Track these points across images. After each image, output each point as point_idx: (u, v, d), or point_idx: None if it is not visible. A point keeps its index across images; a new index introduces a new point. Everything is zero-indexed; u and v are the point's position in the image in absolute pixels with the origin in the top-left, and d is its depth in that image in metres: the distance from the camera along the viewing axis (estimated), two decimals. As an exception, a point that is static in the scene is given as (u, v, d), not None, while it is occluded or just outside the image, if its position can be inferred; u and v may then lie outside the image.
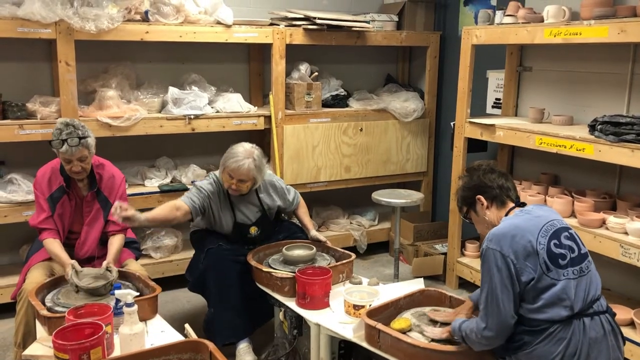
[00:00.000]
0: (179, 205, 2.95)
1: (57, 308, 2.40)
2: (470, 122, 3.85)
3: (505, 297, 2.00)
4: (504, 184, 2.24)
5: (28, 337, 2.67)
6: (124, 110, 3.66)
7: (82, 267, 2.80)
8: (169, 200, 3.83)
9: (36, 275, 2.72)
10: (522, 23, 3.50)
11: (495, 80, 4.31)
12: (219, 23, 3.86)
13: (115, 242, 2.89)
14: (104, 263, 2.68)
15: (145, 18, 3.67)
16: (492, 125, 3.66)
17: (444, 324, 2.31)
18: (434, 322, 2.34)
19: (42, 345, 2.20)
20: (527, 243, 2.02)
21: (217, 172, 3.14)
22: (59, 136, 2.71)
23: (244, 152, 2.97)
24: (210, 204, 3.05)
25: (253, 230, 3.13)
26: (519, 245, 2.02)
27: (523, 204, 2.25)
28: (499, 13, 3.72)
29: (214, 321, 2.96)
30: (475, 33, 3.76)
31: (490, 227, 2.20)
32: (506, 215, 2.20)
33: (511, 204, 2.23)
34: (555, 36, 3.22)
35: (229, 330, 2.95)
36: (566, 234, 2.11)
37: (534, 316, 2.02)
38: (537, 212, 2.15)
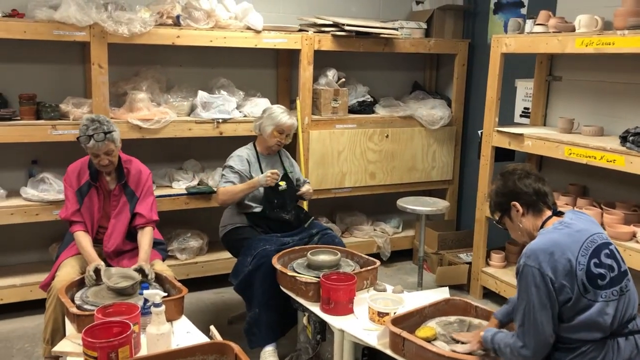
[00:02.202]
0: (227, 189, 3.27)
1: (85, 306, 2.43)
2: (498, 131, 3.82)
3: (544, 316, 1.93)
4: (540, 188, 2.13)
5: (56, 333, 2.72)
6: (154, 112, 3.71)
7: (110, 261, 2.89)
8: (195, 203, 3.91)
9: (66, 273, 2.76)
10: (553, 32, 3.47)
11: (524, 89, 4.28)
12: (248, 28, 3.90)
13: (146, 238, 2.92)
14: (134, 267, 2.72)
15: (176, 22, 3.72)
16: (521, 135, 3.63)
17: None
18: (456, 341, 2.28)
19: (71, 342, 2.24)
20: (566, 262, 1.94)
21: (245, 147, 3.46)
22: (85, 132, 2.79)
23: (287, 110, 3.41)
24: (243, 172, 3.33)
25: (282, 183, 3.36)
26: (558, 263, 1.93)
27: (561, 213, 2.15)
28: (529, 22, 3.69)
29: (259, 322, 3.01)
30: (505, 42, 3.74)
31: (525, 235, 2.15)
32: (543, 224, 2.11)
33: (548, 212, 2.13)
34: (587, 46, 3.18)
35: (272, 331, 3.02)
36: (606, 251, 2.01)
37: (567, 335, 1.96)
38: (577, 224, 2.04)
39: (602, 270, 1.97)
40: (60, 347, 2.25)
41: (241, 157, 3.37)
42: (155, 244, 3.07)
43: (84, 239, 2.86)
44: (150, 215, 2.99)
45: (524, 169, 2.19)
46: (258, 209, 3.32)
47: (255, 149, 3.45)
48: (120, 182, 2.95)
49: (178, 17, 3.71)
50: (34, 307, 3.51)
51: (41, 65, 3.79)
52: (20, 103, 3.49)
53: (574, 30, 3.37)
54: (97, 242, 2.94)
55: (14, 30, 3.28)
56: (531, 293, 1.94)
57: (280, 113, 3.34)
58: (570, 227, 2.03)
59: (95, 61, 3.49)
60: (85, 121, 2.83)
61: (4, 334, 3.41)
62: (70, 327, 2.37)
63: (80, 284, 2.65)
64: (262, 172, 3.35)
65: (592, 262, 1.96)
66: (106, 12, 3.52)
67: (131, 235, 2.98)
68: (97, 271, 2.64)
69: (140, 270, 2.70)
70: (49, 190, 3.56)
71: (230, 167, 3.34)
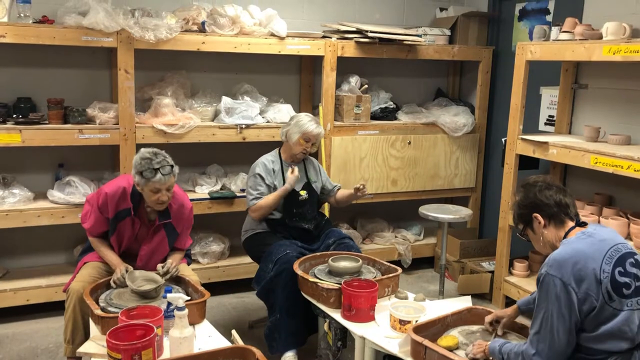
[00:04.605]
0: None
1: (110, 308, 2.46)
2: (523, 139, 3.78)
3: (560, 326, 1.92)
4: (561, 200, 2.13)
5: (77, 333, 2.74)
6: (178, 118, 3.75)
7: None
8: (218, 207, 3.94)
9: (85, 275, 2.79)
10: (580, 40, 3.43)
11: (549, 97, 4.23)
12: (272, 35, 3.93)
13: (177, 255, 2.96)
14: (159, 266, 2.75)
15: (202, 29, 3.76)
16: (546, 143, 3.59)
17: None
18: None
19: (96, 343, 2.27)
20: (590, 271, 1.93)
21: (270, 153, 3.45)
22: (149, 165, 2.64)
23: (314, 119, 3.40)
24: (270, 184, 3.33)
25: (303, 192, 3.36)
26: (581, 272, 1.93)
27: (584, 224, 2.14)
28: (554, 29, 3.66)
29: (280, 328, 3.01)
30: (530, 49, 3.71)
31: (548, 246, 2.14)
32: (566, 235, 2.11)
33: (571, 223, 2.13)
34: (614, 54, 3.14)
35: (294, 336, 3.02)
36: (631, 260, 2.00)
37: (592, 345, 1.95)
38: (600, 234, 2.04)
39: (627, 279, 1.96)
40: (85, 348, 2.28)
41: (266, 165, 3.36)
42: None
43: (102, 244, 2.87)
44: (185, 246, 3.01)
45: (545, 181, 2.20)
46: (278, 216, 3.33)
47: (280, 157, 3.44)
48: (165, 219, 2.82)
49: (203, 23, 3.75)
50: (59, 308, 3.52)
51: (69, 70, 3.86)
52: (48, 107, 3.55)
53: (601, 37, 3.33)
54: (125, 258, 2.92)
55: (44, 36, 3.35)
56: (551, 302, 1.94)
57: (307, 121, 3.33)
58: (593, 237, 2.03)
59: (121, 66, 3.55)
60: (146, 154, 2.67)
61: (29, 334, 3.46)
62: (94, 329, 2.40)
63: (105, 286, 2.69)
64: (284, 182, 3.34)
65: (617, 270, 1.96)
66: (133, 18, 3.58)
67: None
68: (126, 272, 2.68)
69: (163, 266, 2.73)
70: (74, 193, 3.62)
71: (259, 176, 3.31)
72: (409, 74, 4.91)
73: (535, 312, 2.02)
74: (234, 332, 2.32)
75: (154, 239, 2.86)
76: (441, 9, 4.86)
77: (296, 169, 3.29)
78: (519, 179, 3.78)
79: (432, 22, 4.88)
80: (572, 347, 1.96)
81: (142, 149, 2.75)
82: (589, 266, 1.94)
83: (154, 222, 2.84)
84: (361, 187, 3.33)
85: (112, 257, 2.83)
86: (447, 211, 3.85)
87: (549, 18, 4.25)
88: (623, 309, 1.93)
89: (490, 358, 2.15)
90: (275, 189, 3.33)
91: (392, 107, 4.58)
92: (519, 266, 4.03)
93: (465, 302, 2.70)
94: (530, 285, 3.85)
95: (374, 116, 4.48)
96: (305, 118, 3.37)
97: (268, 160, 3.39)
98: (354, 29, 4.13)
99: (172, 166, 2.70)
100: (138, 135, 3.64)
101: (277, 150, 3.48)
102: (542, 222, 2.15)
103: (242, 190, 4.03)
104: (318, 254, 3.16)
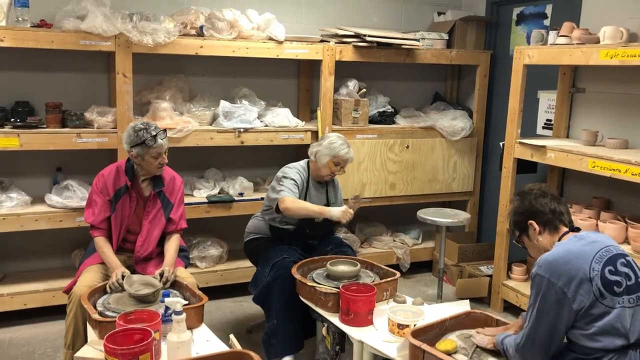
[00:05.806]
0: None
1: (107, 313, 2.46)
2: (521, 143, 3.79)
3: (544, 323, 2.01)
4: (556, 208, 2.20)
5: (77, 339, 2.73)
6: (176, 122, 3.75)
7: (137, 266, 2.93)
8: (216, 211, 3.94)
9: (87, 279, 2.79)
10: (577, 44, 3.44)
11: (547, 100, 4.24)
12: (271, 39, 3.93)
13: (173, 244, 2.98)
14: (158, 271, 2.75)
15: (200, 33, 3.77)
16: (543, 147, 3.60)
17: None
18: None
19: (93, 348, 2.26)
20: (579, 270, 1.98)
21: (300, 164, 3.35)
22: (146, 134, 2.81)
23: (346, 142, 3.26)
24: (299, 190, 3.24)
25: None
26: (571, 272, 1.98)
27: (577, 229, 2.20)
28: (552, 33, 3.67)
29: (277, 333, 3.00)
30: (527, 53, 3.72)
31: (543, 252, 2.17)
32: (559, 239, 2.17)
33: (564, 229, 2.19)
34: (611, 58, 3.15)
35: (291, 341, 3.01)
36: (623, 260, 2.05)
37: (587, 344, 1.98)
38: (591, 237, 2.11)
39: (618, 278, 2.00)
40: (82, 353, 2.27)
41: (300, 176, 3.26)
42: (179, 251, 3.10)
43: (105, 245, 2.90)
44: (180, 224, 3.05)
45: (540, 189, 2.28)
46: (290, 228, 3.28)
47: (308, 172, 3.34)
48: (159, 188, 2.97)
49: (201, 27, 3.76)
50: (57, 312, 3.55)
51: (67, 74, 3.86)
52: (46, 111, 3.55)
53: (598, 41, 3.34)
54: (125, 250, 2.98)
55: (42, 40, 3.35)
56: (538, 300, 2.04)
57: (339, 144, 3.21)
58: (584, 239, 2.10)
59: (119, 70, 3.55)
60: (139, 126, 2.84)
61: (27, 338, 3.45)
62: (92, 333, 2.39)
63: (103, 290, 2.68)
64: (305, 199, 3.26)
65: (607, 269, 2.01)
66: (131, 22, 3.58)
67: (160, 240, 3.03)
68: (122, 278, 2.68)
69: (161, 274, 2.73)
70: (72, 197, 3.61)
71: (294, 180, 3.20)
72: (407, 78, 4.92)
73: (528, 306, 2.11)
74: (232, 336, 2.31)
75: (152, 212, 2.97)
76: (439, 13, 4.87)
77: (352, 211, 3.04)
78: (517, 183, 3.79)
79: (430, 26, 4.89)
80: (555, 343, 2.03)
81: (130, 124, 2.92)
82: (578, 265, 1.99)
83: (149, 196, 2.97)
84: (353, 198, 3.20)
85: (113, 260, 2.84)
86: (446, 215, 3.85)
87: (547, 22, 4.27)
88: (615, 307, 1.97)
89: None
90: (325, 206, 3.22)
91: (390, 111, 4.58)
92: (517, 270, 4.03)
93: (464, 306, 2.70)
94: (528, 289, 3.82)
95: (372, 120, 4.48)
96: (337, 140, 3.24)
97: (300, 172, 3.28)
98: (352, 33, 4.14)
99: (163, 130, 2.91)
100: (136, 139, 3.62)
101: (307, 163, 3.37)
102: (538, 229, 2.21)
103: (240, 194, 4.03)
104: (316, 257, 3.15)
